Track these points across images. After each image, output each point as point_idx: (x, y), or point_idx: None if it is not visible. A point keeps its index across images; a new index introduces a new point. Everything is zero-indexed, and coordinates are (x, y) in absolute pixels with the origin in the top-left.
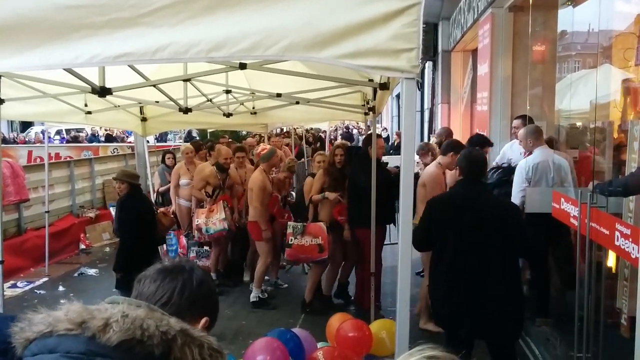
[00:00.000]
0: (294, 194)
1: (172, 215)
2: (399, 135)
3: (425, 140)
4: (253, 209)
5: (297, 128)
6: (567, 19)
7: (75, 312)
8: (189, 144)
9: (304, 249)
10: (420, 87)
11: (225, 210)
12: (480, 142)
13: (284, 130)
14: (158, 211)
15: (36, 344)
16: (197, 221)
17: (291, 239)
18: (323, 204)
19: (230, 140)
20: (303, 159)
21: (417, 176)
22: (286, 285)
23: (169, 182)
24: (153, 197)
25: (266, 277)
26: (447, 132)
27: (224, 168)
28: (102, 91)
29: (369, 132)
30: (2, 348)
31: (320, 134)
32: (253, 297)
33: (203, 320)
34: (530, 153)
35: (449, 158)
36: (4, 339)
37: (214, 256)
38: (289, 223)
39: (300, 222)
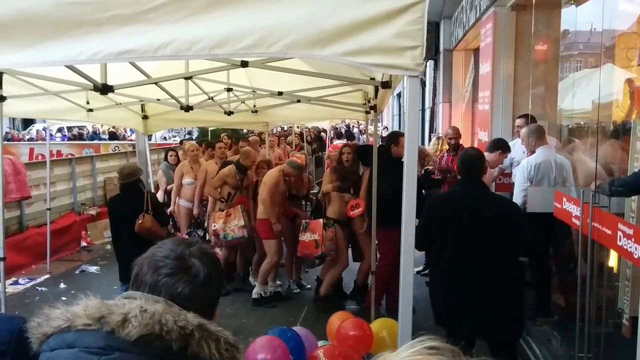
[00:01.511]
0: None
1: (149, 226)
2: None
3: (427, 139)
4: (261, 202)
5: (298, 127)
6: (570, 18)
7: (93, 307)
8: (193, 142)
9: (305, 245)
10: (423, 85)
11: (244, 215)
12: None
13: (285, 129)
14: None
15: (54, 338)
16: (215, 226)
17: (299, 236)
18: (331, 201)
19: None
20: None
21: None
22: (309, 286)
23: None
24: (160, 195)
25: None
26: (457, 132)
27: (244, 168)
28: (104, 88)
29: (394, 131)
30: (2, 349)
31: (322, 132)
32: (255, 293)
33: (217, 313)
34: (533, 152)
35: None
36: (3, 341)
37: (224, 258)
38: (302, 221)
39: (306, 220)
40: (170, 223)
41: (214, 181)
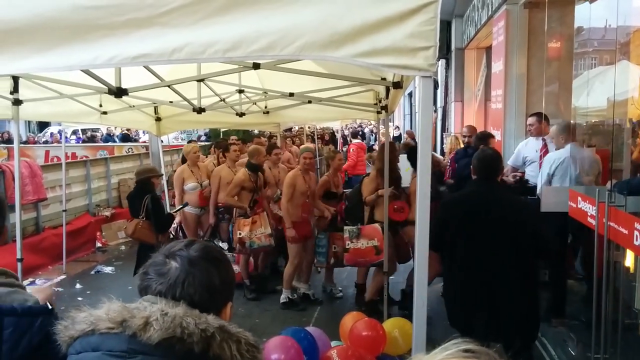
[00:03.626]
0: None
1: (130, 232)
2: (409, 134)
3: (439, 138)
4: (281, 205)
5: (309, 127)
6: (584, 15)
7: (115, 311)
8: (192, 143)
9: (361, 252)
10: (437, 86)
11: (270, 222)
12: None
13: (296, 129)
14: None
15: (80, 341)
16: (240, 234)
17: (348, 244)
18: (378, 204)
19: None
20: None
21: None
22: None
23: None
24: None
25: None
26: (473, 131)
27: (256, 167)
28: (119, 92)
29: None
30: (39, 340)
31: (335, 133)
32: (283, 298)
33: (229, 307)
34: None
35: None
36: (42, 331)
37: (244, 264)
38: (345, 227)
39: (355, 225)
40: (179, 231)
41: (230, 189)
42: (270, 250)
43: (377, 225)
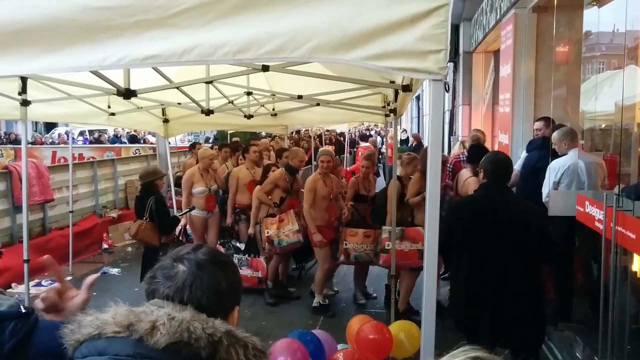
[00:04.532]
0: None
1: (133, 233)
2: (415, 137)
3: (446, 141)
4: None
5: (316, 129)
6: (592, 19)
7: (122, 315)
8: (207, 147)
9: (404, 254)
10: (448, 88)
11: (298, 220)
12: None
13: (303, 131)
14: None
15: (86, 345)
16: (268, 232)
17: (387, 244)
18: (420, 207)
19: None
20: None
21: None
22: (336, 289)
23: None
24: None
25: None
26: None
27: (295, 170)
28: (127, 93)
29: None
30: (11, 346)
31: (339, 136)
32: (315, 302)
33: (236, 311)
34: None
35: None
36: (14, 336)
37: (275, 265)
38: (383, 227)
39: (399, 227)
40: (183, 234)
41: (265, 185)
42: (288, 253)
43: (421, 228)
